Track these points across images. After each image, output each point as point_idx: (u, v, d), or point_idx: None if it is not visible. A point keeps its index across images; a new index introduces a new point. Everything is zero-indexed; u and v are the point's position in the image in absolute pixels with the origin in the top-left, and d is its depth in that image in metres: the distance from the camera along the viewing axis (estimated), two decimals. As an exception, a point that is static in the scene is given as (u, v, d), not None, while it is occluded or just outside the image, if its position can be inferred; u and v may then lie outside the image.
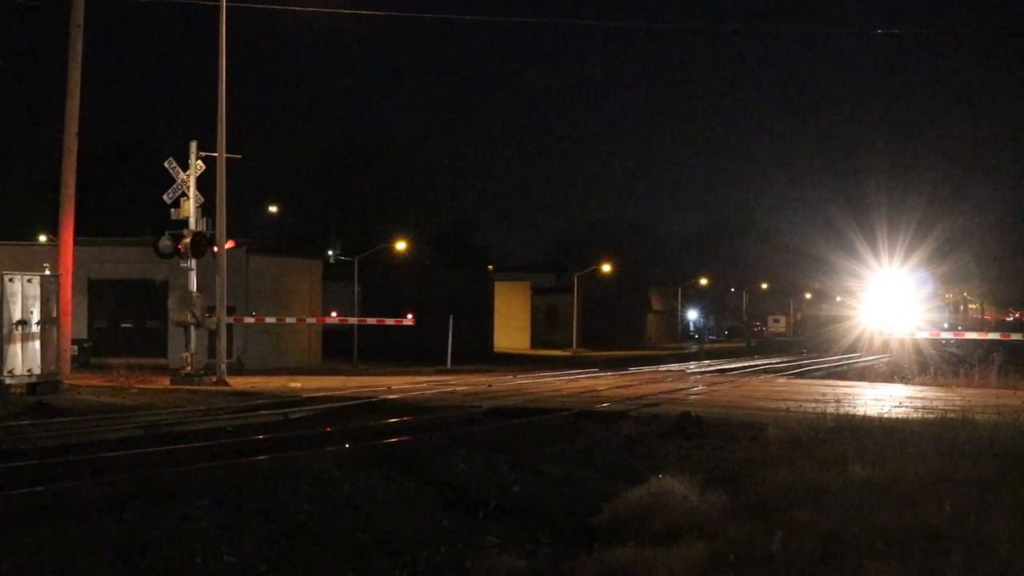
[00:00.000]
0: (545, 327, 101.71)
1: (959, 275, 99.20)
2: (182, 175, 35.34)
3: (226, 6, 36.15)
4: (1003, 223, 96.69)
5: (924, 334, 56.19)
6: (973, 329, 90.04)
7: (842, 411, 22.83)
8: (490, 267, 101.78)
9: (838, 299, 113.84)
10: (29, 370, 28.77)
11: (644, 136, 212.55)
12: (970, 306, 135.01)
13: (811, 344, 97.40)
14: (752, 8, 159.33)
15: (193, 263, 35.36)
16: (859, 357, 66.16)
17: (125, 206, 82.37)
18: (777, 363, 61.11)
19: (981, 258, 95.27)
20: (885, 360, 54.15)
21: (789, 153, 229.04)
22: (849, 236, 79.31)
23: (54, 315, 29.74)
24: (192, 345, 35.47)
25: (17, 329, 28.57)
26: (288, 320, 51.45)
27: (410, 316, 48.80)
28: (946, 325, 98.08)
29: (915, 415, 21.16)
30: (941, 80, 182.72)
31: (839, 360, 64.38)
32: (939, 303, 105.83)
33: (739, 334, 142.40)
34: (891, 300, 65.74)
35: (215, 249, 35.70)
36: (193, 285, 35.55)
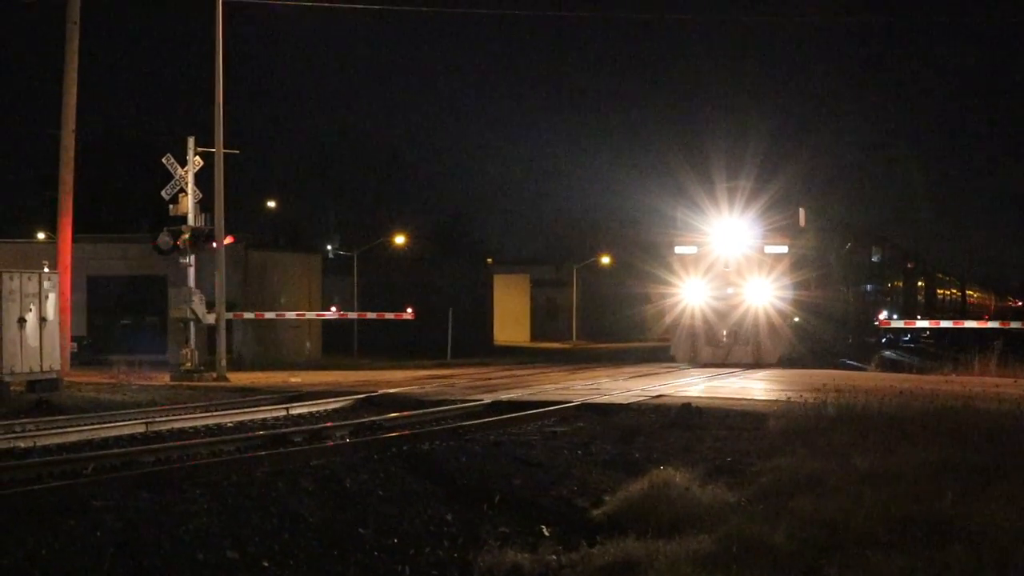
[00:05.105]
0: (545, 319, 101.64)
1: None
2: (180, 171, 35.32)
3: (223, 1, 36.15)
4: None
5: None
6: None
7: (842, 400, 22.81)
8: (489, 260, 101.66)
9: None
10: (29, 368, 28.73)
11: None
12: (938, 290, 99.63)
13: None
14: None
15: (192, 259, 35.37)
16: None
17: (122, 201, 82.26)
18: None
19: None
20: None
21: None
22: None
23: (53, 312, 29.72)
24: (192, 341, 35.48)
25: (17, 327, 28.56)
26: (288, 315, 51.40)
27: (410, 310, 48.72)
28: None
29: (916, 403, 21.12)
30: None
31: None
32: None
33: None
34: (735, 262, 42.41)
35: (214, 245, 35.75)
36: (192, 281, 35.53)
